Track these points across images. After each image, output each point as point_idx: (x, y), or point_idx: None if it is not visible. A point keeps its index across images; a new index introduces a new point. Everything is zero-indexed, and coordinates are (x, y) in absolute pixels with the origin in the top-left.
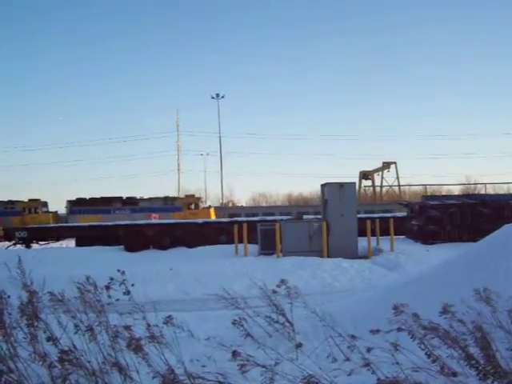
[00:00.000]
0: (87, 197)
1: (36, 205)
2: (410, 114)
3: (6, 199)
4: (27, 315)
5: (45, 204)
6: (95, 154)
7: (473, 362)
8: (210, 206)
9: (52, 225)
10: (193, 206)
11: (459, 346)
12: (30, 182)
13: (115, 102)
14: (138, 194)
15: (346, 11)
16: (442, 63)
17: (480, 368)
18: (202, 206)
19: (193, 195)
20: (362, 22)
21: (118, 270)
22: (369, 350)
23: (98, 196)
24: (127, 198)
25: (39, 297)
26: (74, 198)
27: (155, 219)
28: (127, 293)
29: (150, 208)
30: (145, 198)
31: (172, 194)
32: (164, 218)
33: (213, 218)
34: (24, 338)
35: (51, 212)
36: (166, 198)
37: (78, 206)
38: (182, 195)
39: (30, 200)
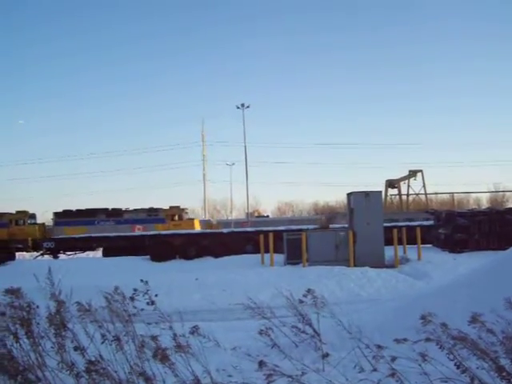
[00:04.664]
0: (74, 209)
1: (23, 216)
2: (437, 122)
3: None
4: (55, 325)
5: (32, 216)
6: (119, 165)
7: (504, 373)
8: (193, 218)
9: (79, 235)
10: (176, 218)
11: (489, 356)
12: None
13: (140, 112)
14: (162, 204)
15: (376, 21)
16: (469, 74)
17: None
18: (186, 217)
19: (177, 206)
20: (394, 32)
21: (142, 280)
22: (394, 359)
23: (84, 208)
24: (112, 209)
25: (67, 307)
26: (60, 210)
27: (139, 231)
28: (151, 303)
29: (134, 219)
30: (130, 209)
31: (198, 204)
32: (148, 230)
33: (197, 229)
34: (52, 347)
35: (38, 224)
36: (150, 210)
37: (63, 217)
38: (207, 206)
39: (17, 212)
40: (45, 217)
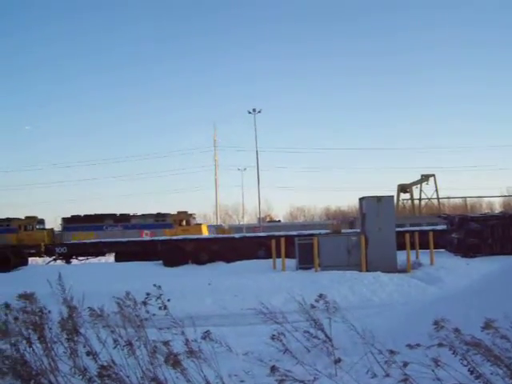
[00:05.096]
0: (82, 214)
1: (31, 222)
2: (450, 126)
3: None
4: (67, 330)
5: (41, 221)
6: (131, 170)
7: None
8: (201, 223)
9: (91, 240)
10: (184, 223)
11: (504, 363)
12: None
13: (149, 117)
14: (173, 210)
15: (394, 28)
16: (478, 81)
17: None
18: (193, 222)
19: (185, 212)
20: (407, 39)
21: (154, 285)
22: (406, 364)
23: (92, 213)
24: (120, 214)
25: (79, 312)
26: (69, 216)
27: (147, 236)
28: (163, 308)
29: (142, 225)
30: (137, 214)
31: (210, 209)
32: (155, 235)
33: (205, 234)
34: (64, 352)
35: (46, 229)
36: (158, 215)
37: (72, 223)
38: (219, 211)
39: (26, 217)
40: (57, 222)
